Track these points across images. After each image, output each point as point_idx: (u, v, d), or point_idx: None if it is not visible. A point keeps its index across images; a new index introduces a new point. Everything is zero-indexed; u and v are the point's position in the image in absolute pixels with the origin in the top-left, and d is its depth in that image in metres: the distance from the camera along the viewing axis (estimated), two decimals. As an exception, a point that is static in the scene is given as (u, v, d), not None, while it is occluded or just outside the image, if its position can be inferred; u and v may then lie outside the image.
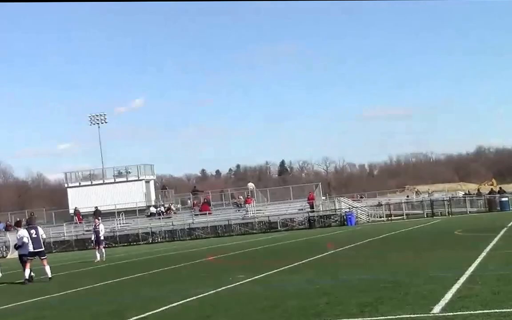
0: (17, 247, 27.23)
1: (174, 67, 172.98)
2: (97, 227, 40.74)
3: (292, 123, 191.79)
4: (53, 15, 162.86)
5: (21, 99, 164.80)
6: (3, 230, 70.35)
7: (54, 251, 66.83)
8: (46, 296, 20.64)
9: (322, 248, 32.19)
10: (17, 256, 28.21)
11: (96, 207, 68.40)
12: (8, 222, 72.80)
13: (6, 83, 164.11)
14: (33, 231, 26.72)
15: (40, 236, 26.80)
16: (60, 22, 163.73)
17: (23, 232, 26.60)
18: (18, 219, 31.55)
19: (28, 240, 26.36)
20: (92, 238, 40.60)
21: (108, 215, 68.04)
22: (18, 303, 19.37)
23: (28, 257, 26.42)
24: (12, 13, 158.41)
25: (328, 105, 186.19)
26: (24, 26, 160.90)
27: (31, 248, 26.39)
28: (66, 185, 77.37)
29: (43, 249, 27.07)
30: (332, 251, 30.02)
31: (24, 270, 26.45)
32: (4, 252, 65.65)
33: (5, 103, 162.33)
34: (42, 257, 26.79)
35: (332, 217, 65.63)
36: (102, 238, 40.66)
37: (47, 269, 26.69)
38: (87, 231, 68.68)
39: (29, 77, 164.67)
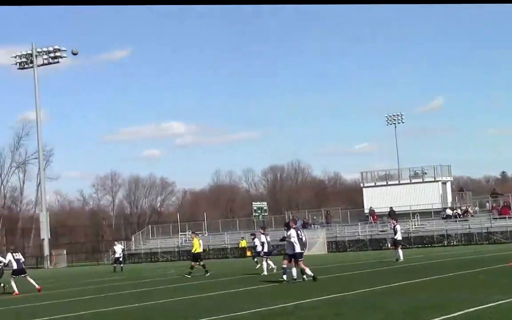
0: (282, 239, 27.50)
1: (474, 65, 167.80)
2: (395, 227, 40.74)
3: None
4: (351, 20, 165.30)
5: (321, 99, 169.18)
6: (300, 227, 72.66)
7: (348, 250, 67.92)
8: (341, 294, 20.80)
9: None
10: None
11: (391, 207, 68.35)
12: (305, 220, 75.18)
13: (299, 88, 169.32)
14: (299, 233, 27.15)
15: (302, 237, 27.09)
16: (355, 26, 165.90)
17: (293, 232, 26.87)
18: (287, 221, 32.73)
19: (296, 241, 26.63)
20: (396, 237, 40.59)
21: (402, 215, 67.54)
22: (314, 299, 19.65)
23: (298, 259, 26.57)
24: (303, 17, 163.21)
25: None
26: (316, 32, 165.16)
27: (298, 249, 26.67)
28: (361, 185, 78.10)
29: (304, 251, 27.52)
30: None
31: (293, 268, 26.75)
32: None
33: (303, 105, 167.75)
34: (299, 259, 26.82)
35: None
36: (398, 238, 40.52)
37: (307, 270, 26.63)
38: (381, 231, 68.97)
39: (326, 79, 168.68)
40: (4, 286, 31.73)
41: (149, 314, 19.15)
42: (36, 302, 25.90)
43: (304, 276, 26.35)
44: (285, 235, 26.83)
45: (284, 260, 26.78)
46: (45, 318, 19.38)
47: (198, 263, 36.57)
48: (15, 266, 31.09)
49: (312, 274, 26.35)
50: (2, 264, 31.98)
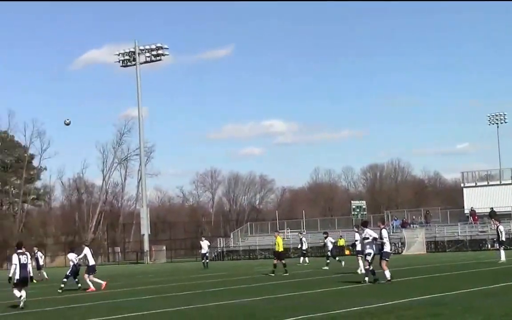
0: (374, 239, 26.89)
1: None
2: (498, 228, 40.17)
3: None
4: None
5: (422, 99, 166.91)
6: (399, 226, 72.00)
7: (447, 251, 66.89)
8: (440, 294, 20.63)
9: None
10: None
11: (492, 208, 66.95)
12: (404, 219, 74.33)
13: (400, 87, 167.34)
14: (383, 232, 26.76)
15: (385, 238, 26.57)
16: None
17: (384, 232, 26.39)
18: (365, 220, 32.32)
19: (387, 240, 26.23)
20: (500, 239, 39.95)
21: (503, 216, 65.88)
22: (410, 299, 19.54)
23: (385, 258, 26.18)
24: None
25: None
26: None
27: (387, 249, 26.27)
28: (462, 185, 77.16)
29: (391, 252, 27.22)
30: None
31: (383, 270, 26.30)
32: (400, 248, 67.24)
33: (403, 104, 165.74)
34: (386, 259, 26.34)
35: None
36: (502, 239, 39.95)
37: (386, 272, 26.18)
38: (481, 232, 67.76)
39: (427, 79, 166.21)
40: (79, 286, 31.22)
41: (248, 311, 19.32)
42: (134, 297, 26.51)
43: (384, 280, 26.00)
44: (377, 236, 26.45)
45: (366, 263, 26.54)
46: (144, 312, 19.84)
47: (278, 260, 36.68)
48: (91, 262, 30.64)
49: (390, 278, 26.00)
50: (79, 258, 31.43)
